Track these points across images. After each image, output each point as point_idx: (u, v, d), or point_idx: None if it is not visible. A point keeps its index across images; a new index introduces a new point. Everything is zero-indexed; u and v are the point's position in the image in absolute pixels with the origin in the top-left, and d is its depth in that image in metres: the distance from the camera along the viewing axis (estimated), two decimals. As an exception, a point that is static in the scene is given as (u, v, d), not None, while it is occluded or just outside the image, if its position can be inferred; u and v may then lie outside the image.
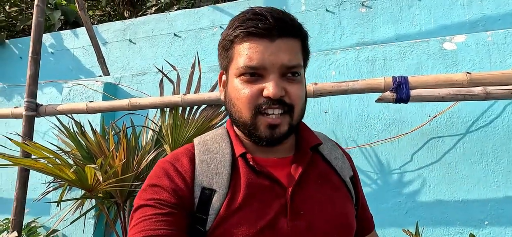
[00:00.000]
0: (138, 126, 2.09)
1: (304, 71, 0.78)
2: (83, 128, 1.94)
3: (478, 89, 1.56)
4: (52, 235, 2.37)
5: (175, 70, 2.04)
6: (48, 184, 2.10)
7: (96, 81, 2.55)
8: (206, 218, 0.68)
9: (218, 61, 0.79)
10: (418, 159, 1.98)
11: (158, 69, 2.03)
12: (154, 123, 2.09)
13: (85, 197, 1.92)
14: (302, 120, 0.78)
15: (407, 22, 2.30)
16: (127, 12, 3.56)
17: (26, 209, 2.30)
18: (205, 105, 1.93)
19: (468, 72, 1.58)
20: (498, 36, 1.94)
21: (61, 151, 1.88)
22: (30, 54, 2.22)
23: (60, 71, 3.07)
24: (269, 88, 0.68)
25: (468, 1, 2.43)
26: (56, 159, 1.77)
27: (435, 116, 1.96)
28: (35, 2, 2.27)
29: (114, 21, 3.41)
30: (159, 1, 3.26)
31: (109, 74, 2.79)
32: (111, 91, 2.54)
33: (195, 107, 1.94)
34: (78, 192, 2.36)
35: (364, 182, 2.04)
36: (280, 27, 0.69)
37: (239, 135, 0.77)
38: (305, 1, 2.60)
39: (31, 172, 2.17)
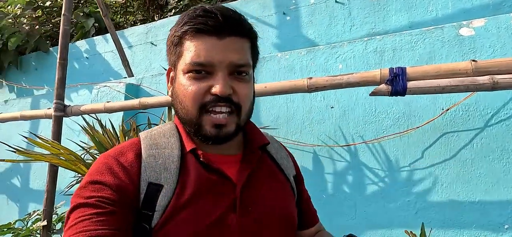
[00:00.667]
0: (145, 123, 2.20)
1: (253, 71, 0.78)
2: (105, 127, 2.09)
3: (483, 78, 1.40)
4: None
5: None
6: (75, 178, 2.30)
7: (120, 82, 2.73)
8: (152, 214, 0.67)
9: (166, 57, 0.78)
10: (430, 155, 1.83)
11: (164, 68, 2.11)
12: (163, 121, 2.19)
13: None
14: (252, 119, 0.79)
15: (422, 8, 2.12)
16: (157, 16, 3.74)
17: (62, 201, 2.55)
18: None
19: (473, 60, 1.43)
20: (524, 18, 1.72)
21: (81, 149, 2.05)
22: (57, 60, 2.44)
23: (93, 74, 3.33)
24: (217, 85, 0.68)
25: (501, -20, 2.18)
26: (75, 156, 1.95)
27: (448, 109, 1.80)
28: (62, 12, 2.49)
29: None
30: (178, 4, 3.38)
31: (133, 76, 2.97)
32: (133, 91, 2.70)
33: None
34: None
35: (371, 180, 1.94)
36: (230, 26, 0.70)
37: (189, 131, 0.76)
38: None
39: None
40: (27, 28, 3.49)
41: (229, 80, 0.70)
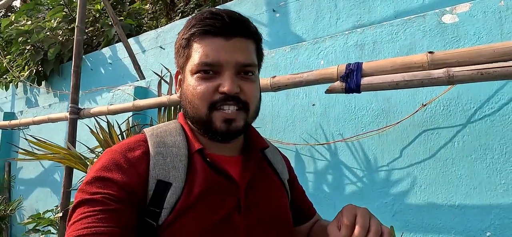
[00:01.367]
0: (148, 124, 2.34)
1: (259, 73, 0.81)
2: (112, 127, 2.28)
3: (438, 72, 1.28)
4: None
5: (169, 71, 2.22)
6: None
7: (130, 86, 2.93)
8: (160, 211, 0.67)
9: (174, 60, 0.80)
10: (409, 154, 1.71)
11: (155, 73, 2.24)
12: (157, 122, 2.32)
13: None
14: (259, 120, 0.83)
15: None
16: (177, 18, 3.93)
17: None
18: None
19: (430, 52, 1.31)
20: (514, -1, 1.52)
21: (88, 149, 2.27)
22: (72, 68, 2.70)
23: (116, 78, 3.61)
24: (225, 84, 0.70)
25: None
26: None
27: (425, 105, 1.66)
28: (76, 24, 2.75)
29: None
30: (185, 8, 3.50)
31: (144, 79, 3.17)
32: (142, 94, 2.88)
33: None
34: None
35: (350, 180, 1.86)
36: (236, 27, 0.72)
37: (194, 131, 0.78)
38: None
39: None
40: (62, 39, 3.90)
41: (236, 79, 0.71)
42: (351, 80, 1.45)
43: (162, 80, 2.25)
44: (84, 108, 2.71)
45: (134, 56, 3.13)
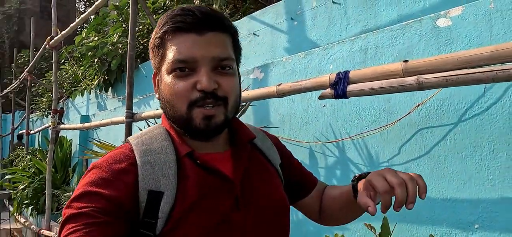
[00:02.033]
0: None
1: (237, 66, 0.80)
2: None
3: (410, 79, 1.42)
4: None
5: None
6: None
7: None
8: (155, 222, 0.66)
9: (151, 62, 0.79)
10: (406, 152, 1.83)
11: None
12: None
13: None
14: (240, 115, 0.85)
15: (410, 0, 2.02)
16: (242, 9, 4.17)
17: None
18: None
19: (405, 61, 1.45)
20: (503, 2, 1.57)
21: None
22: (127, 78, 3.19)
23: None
24: (202, 80, 0.68)
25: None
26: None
27: (418, 105, 1.77)
28: (128, 40, 3.23)
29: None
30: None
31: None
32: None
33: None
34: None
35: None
36: (208, 21, 0.71)
37: (180, 132, 0.76)
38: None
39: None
40: (121, 52, 4.51)
41: (213, 74, 0.70)
42: (339, 87, 1.63)
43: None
44: (137, 113, 3.19)
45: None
